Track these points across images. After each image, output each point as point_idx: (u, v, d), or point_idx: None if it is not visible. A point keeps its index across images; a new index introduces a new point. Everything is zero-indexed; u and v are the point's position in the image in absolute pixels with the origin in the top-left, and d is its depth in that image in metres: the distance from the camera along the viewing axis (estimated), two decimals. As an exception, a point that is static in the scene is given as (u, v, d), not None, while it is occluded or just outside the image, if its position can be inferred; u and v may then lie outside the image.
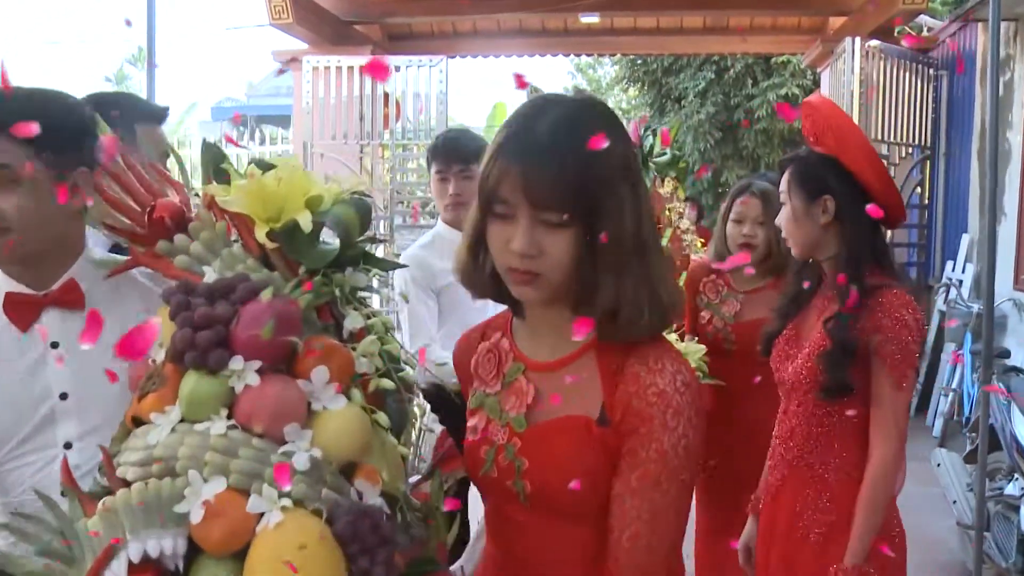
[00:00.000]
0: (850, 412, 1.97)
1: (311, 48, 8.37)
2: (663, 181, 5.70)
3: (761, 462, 2.30)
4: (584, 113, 1.15)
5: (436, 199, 3.02)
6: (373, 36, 8.87)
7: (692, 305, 2.96)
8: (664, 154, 4.21)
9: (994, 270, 3.41)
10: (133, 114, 2.13)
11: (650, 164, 4.09)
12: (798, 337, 2.12)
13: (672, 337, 2.53)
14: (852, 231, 2.00)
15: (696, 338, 2.90)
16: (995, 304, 3.77)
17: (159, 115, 2.28)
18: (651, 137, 4.06)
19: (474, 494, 1.38)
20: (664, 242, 3.88)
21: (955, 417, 6.06)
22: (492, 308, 2.61)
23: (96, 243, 1.61)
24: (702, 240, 4.04)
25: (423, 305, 2.82)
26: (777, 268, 2.74)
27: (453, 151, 2.90)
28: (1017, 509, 3.66)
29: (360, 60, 8.06)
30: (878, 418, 1.92)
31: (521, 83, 1.39)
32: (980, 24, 6.97)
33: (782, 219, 2.10)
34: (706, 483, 2.85)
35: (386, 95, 8.05)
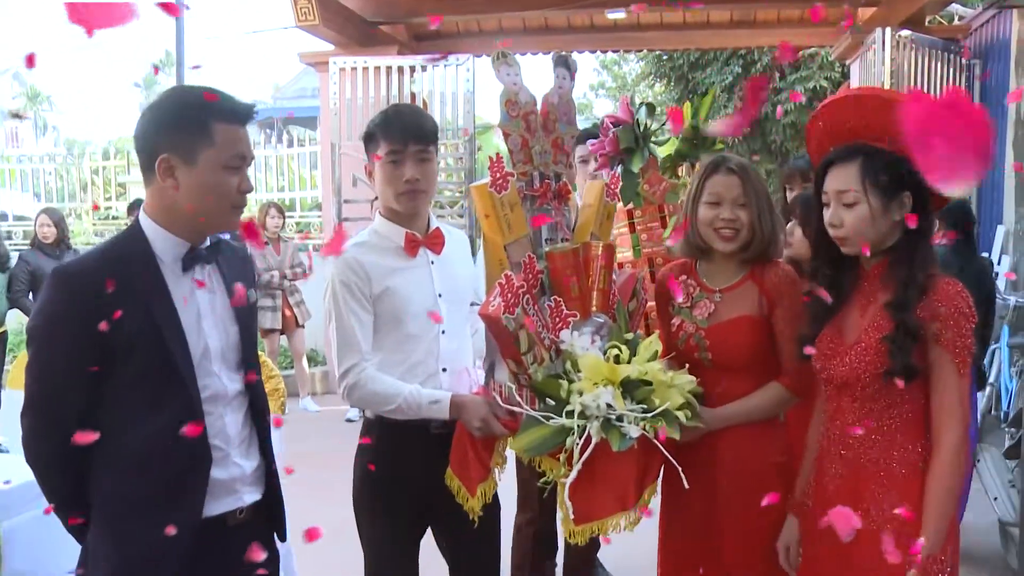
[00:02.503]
0: (910, 403, 1.98)
1: (337, 49, 8.40)
2: (693, 167, 5.39)
3: (747, 512, 2.26)
4: None
5: (382, 187, 2.44)
6: (399, 36, 8.88)
7: (665, 315, 2.52)
8: (664, 132, 3.92)
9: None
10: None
11: (649, 145, 3.75)
12: (841, 333, 2.08)
13: (656, 366, 2.20)
14: (924, 224, 2.01)
15: (671, 354, 2.42)
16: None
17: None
18: (643, 111, 3.72)
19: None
20: (666, 235, 3.52)
21: (992, 412, 5.96)
22: (444, 316, 2.38)
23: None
24: None
25: (353, 316, 2.35)
26: (758, 256, 2.39)
27: (412, 126, 2.38)
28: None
29: (387, 61, 8.08)
30: (945, 404, 1.94)
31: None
32: (1016, 11, 6.86)
33: (850, 220, 2.00)
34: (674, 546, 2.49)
35: (413, 95, 8.07)
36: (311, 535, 1.86)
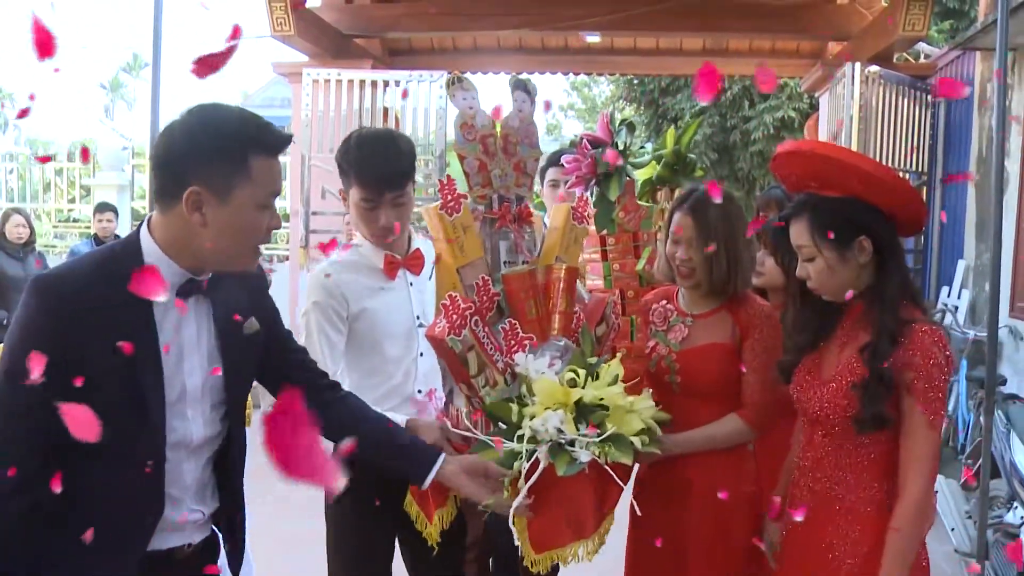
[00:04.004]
0: (879, 445, 1.96)
1: (311, 61, 8.37)
2: (673, 192, 5.39)
3: (715, 540, 2.28)
4: None
5: (356, 221, 2.38)
6: (373, 51, 8.88)
7: (646, 338, 2.56)
8: (644, 153, 3.88)
9: (997, 297, 3.40)
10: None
11: (626, 168, 3.69)
12: (820, 367, 2.07)
13: (616, 390, 2.14)
14: (892, 263, 1.99)
15: (635, 379, 2.38)
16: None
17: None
18: (624, 132, 3.67)
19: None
20: (641, 265, 3.49)
21: (950, 444, 6.05)
22: (421, 338, 2.34)
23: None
24: None
25: (323, 337, 2.30)
26: (720, 291, 2.40)
27: (388, 175, 2.27)
28: (1016, 538, 3.64)
29: (360, 74, 8.06)
30: (912, 455, 1.89)
31: None
32: (978, 53, 7.01)
33: (812, 273, 1.99)
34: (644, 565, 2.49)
35: (385, 109, 8.05)
36: None
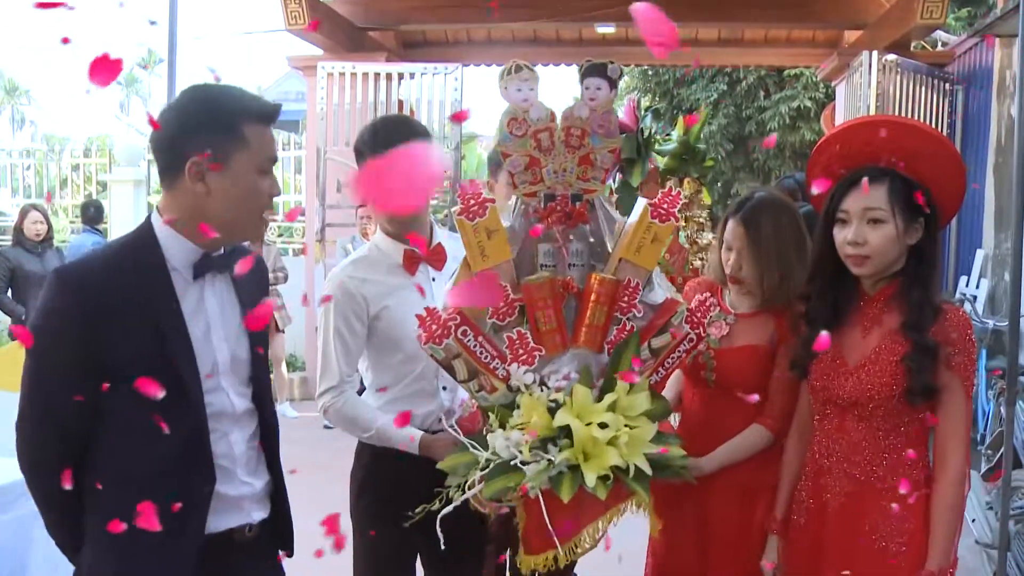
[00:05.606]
0: (914, 424, 2.04)
1: (326, 54, 8.38)
2: (682, 182, 5.43)
3: (739, 531, 2.30)
4: None
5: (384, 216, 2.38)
6: (388, 43, 8.87)
7: None
8: (670, 141, 3.84)
9: (1020, 286, 3.37)
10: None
11: (651, 154, 3.60)
12: (841, 355, 2.10)
13: (605, 417, 1.97)
14: (934, 249, 2.08)
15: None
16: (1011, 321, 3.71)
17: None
18: (648, 118, 3.63)
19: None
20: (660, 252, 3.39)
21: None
22: None
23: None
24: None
25: (337, 339, 2.29)
26: (773, 300, 2.36)
27: None
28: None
29: (375, 67, 8.07)
30: (952, 427, 2.00)
31: None
32: (997, 39, 6.94)
33: (875, 239, 2.01)
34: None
35: (400, 102, 8.05)
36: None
